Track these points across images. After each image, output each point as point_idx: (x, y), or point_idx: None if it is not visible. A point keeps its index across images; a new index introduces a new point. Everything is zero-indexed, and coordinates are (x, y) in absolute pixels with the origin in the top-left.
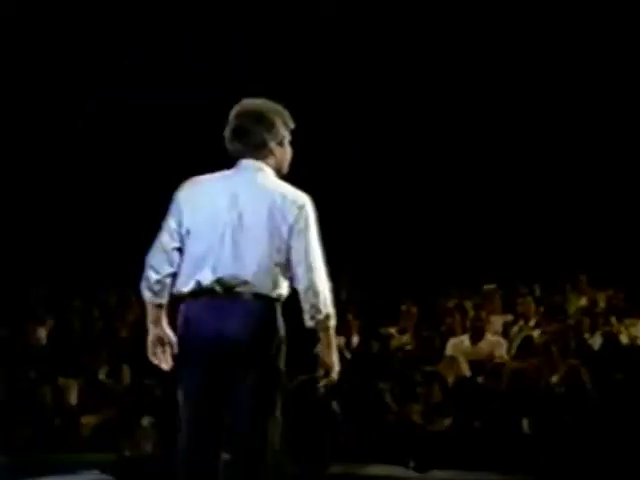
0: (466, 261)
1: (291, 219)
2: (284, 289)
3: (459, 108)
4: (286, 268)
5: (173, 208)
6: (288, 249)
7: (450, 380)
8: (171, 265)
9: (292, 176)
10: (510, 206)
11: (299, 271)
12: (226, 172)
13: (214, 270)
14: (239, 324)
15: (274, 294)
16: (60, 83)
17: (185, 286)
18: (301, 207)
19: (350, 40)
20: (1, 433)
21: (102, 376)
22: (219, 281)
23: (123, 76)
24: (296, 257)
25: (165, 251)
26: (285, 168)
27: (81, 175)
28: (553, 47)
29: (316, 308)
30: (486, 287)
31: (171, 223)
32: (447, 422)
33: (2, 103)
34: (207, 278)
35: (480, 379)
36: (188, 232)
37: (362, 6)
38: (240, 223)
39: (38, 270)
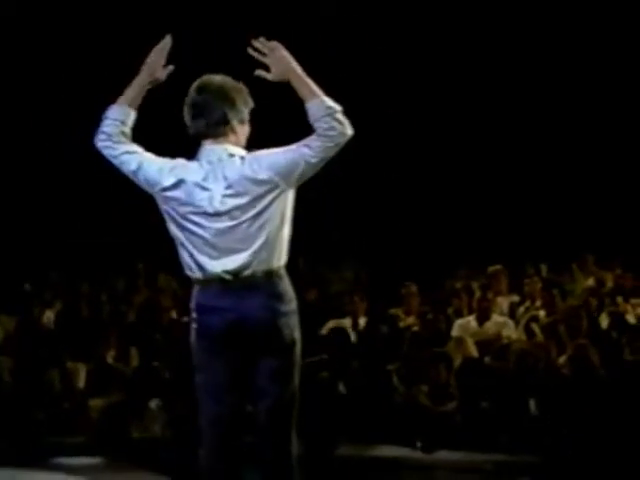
0: (473, 242)
1: (276, 178)
2: (285, 254)
3: (460, 93)
4: (283, 235)
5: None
6: (302, 172)
7: (457, 361)
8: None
9: None
10: (517, 186)
11: (321, 129)
12: (195, 163)
13: (219, 261)
14: (258, 304)
15: (280, 264)
16: (59, 82)
17: (194, 273)
18: (267, 166)
19: (350, 40)
20: (10, 417)
21: (110, 359)
22: (226, 270)
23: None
24: (304, 154)
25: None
26: (243, 146)
27: (90, 167)
28: (549, 38)
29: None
30: (492, 268)
31: (134, 166)
32: (454, 403)
33: (7, 96)
34: (214, 268)
35: (487, 360)
36: (178, 233)
37: (362, 6)
38: (228, 213)
39: (48, 254)
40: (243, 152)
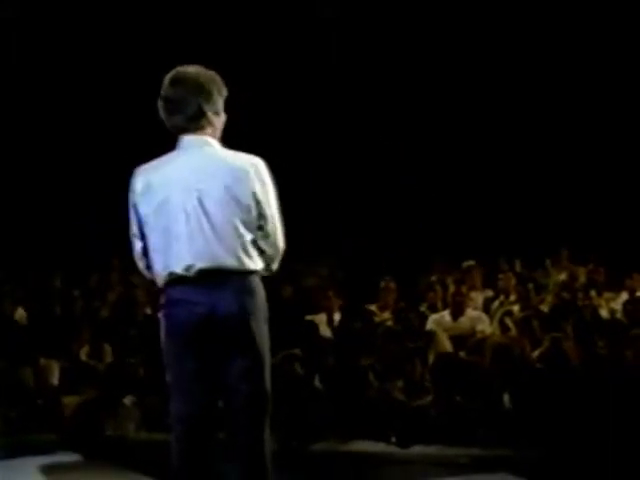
0: (447, 237)
1: (248, 186)
2: (261, 260)
3: (449, 93)
4: (260, 237)
5: (132, 211)
6: (248, 211)
7: (432, 356)
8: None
9: (286, 160)
10: (491, 182)
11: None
12: (172, 155)
13: (191, 260)
14: (231, 301)
15: (254, 267)
16: (59, 82)
17: (166, 277)
18: (255, 170)
19: (350, 42)
20: None
21: (83, 356)
22: (200, 268)
23: (122, 75)
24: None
25: (142, 256)
26: (219, 135)
27: (66, 161)
28: (549, 41)
29: (271, 265)
30: (466, 263)
31: (135, 229)
32: (429, 398)
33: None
34: (187, 268)
35: (462, 354)
36: (153, 229)
37: (362, 8)
38: (203, 207)
39: (25, 252)
40: (218, 145)
